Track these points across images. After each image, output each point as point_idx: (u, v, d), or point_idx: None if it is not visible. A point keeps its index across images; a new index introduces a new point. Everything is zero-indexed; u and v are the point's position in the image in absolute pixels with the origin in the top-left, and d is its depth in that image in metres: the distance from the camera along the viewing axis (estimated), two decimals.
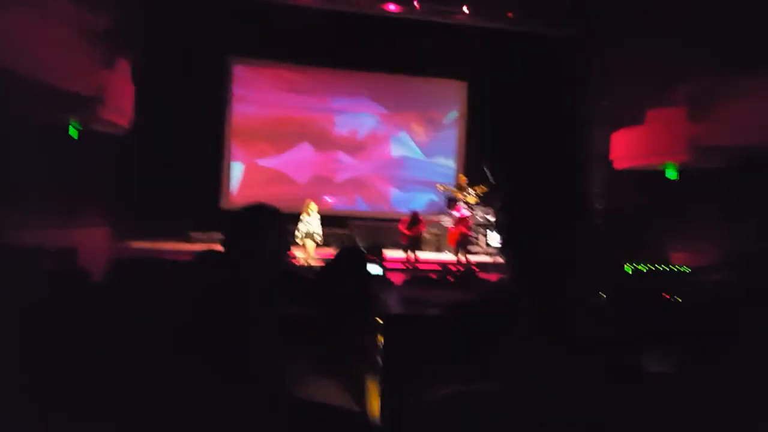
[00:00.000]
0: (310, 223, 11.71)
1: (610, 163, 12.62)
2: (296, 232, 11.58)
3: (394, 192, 15.80)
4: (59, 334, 1.92)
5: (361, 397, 2.00)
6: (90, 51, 9.54)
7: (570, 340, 1.29)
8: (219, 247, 2.03)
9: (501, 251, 1.40)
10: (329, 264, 2.61)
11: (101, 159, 10.98)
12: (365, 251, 6.13)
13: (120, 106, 10.79)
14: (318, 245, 11.73)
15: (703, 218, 9.75)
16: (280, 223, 2.05)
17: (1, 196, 7.99)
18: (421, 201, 15.25)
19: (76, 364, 1.69)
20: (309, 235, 11.61)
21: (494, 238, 13.35)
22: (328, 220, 14.28)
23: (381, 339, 2.16)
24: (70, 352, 1.77)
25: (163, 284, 3.26)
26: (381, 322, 2.22)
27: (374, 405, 2.01)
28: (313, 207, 11.91)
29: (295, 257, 11.15)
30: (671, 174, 11.41)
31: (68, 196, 10.01)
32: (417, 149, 15.95)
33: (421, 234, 12.40)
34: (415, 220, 12.11)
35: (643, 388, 1.27)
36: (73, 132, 10.23)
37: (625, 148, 12.14)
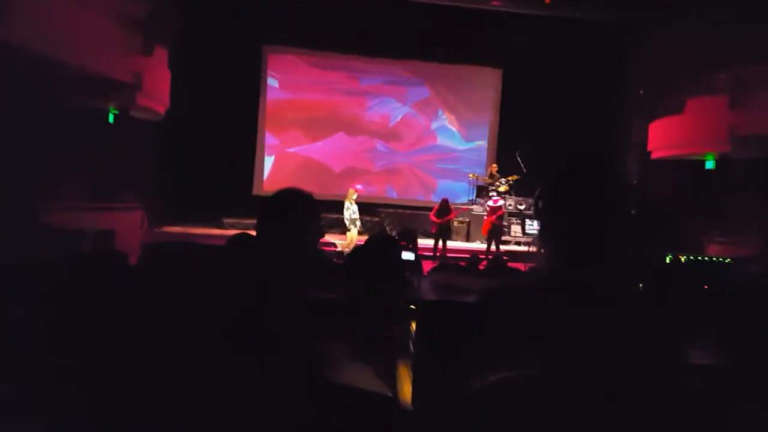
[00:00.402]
0: (354, 210, 11.94)
1: (648, 153, 12.38)
2: (345, 220, 11.91)
3: (425, 180, 15.74)
4: (92, 314, 1.96)
5: (393, 383, 2.00)
6: (129, 39, 9.71)
7: (606, 328, 1.27)
8: (252, 232, 2.04)
9: (538, 237, 1.39)
10: (361, 249, 2.61)
11: (138, 144, 11.18)
12: (398, 237, 6.14)
13: (156, 93, 10.97)
14: (360, 233, 11.95)
15: (744, 208, 9.53)
16: (313, 209, 2.04)
17: (42, 179, 8.20)
18: (452, 188, 15.15)
19: (106, 346, 1.72)
20: (353, 222, 11.85)
21: (531, 226, 13.22)
22: (358, 207, 14.38)
23: (414, 325, 2.16)
24: (101, 333, 1.80)
25: (195, 268, 3.31)
26: (414, 308, 2.22)
27: (406, 390, 2.01)
28: (353, 195, 12.13)
29: (334, 244, 11.31)
30: (710, 164, 11.14)
31: (106, 181, 10.22)
32: (450, 137, 15.84)
33: (450, 222, 12.33)
34: (444, 208, 12.05)
35: (681, 377, 1.24)
36: (111, 117, 10.44)
37: (664, 138, 11.88)
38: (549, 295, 1.30)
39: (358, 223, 11.99)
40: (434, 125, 15.78)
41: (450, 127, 15.83)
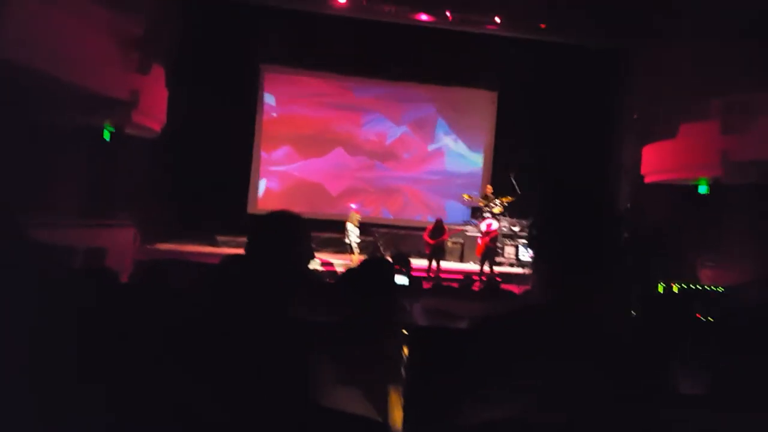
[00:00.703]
0: (357, 234, 12.42)
1: (641, 177, 12.44)
2: (352, 242, 12.43)
3: (420, 200, 15.72)
4: (80, 333, 1.94)
5: (383, 408, 1.98)
6: (126, 56, 9.74)
7: (600, 357, 1.26)
8: (244, 252, 2.03)
9: (532, 265, 1.38)
10: (354, 272, 2.60)
11: (133, 161, 11.18)
12: (392, 260, 6.13)
13: (153, 111, 10.99)
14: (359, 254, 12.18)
15: (737, 234, 9.56)
16: (301, 230, 2.04)
17: (35, 195, 8.17)
18: (446, 209, 15.12)
19: (96, 362, 1.70)
20: (357, 245, 12.33)
21: (525, 252, 13.21)
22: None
23: (406, 350, 2.15)
24: (88, 352, 1.78)
25: (186, 287, 3.29)
26: (406, 332, 2.21)
27: (396, 416, 1.99)
28: (356, 217, 12.53)
29: (332, 264, 11.33)
30: (704, 188, 11.20)
31: (100, 197, 10.20)
32: (445, 158, 15.87)
33: (444, 243, 12.32)
34: (438, 228, 12.05)
35: (673, 408, 1.24)
36: (106, 135, 10.45)
37: (657, 162, 11.96)
38: (542, 323, 1.30)
39: (358, 247, 12.22)
40: (430, 147, 15.84)
41: (446, 148, 15.89)
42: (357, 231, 12.24)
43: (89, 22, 8.48)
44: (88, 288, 3.56)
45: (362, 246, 13.74)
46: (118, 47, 9.49)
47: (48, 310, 2.13)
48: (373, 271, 2.46)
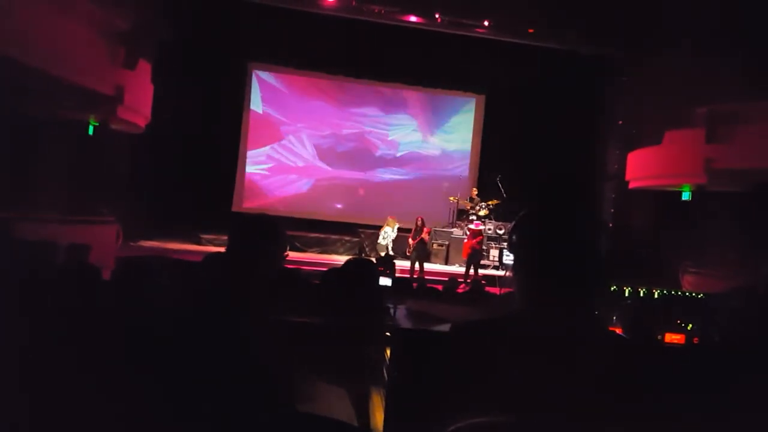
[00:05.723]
0: (391, 236, 12.71)
1: (625, 183, 12.54)
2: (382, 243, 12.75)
3: (404, 202, 15.64)
4: (60, 326, 1.93)
5: (365, 410, 1.98)
6: (113, 51, 9.68)
7: (580, 366, 1.26)
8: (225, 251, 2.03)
9: (512, 270, 1.39)
10: (337, 272, 2.59)
11: (117, 157, 11.09)
12: (376, 262, 6.14)
13: (138, 107, 10.91)
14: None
15: (718, 242, 9.66)
16: (276, 233, 2.06)
17: (18, 190, 8.08)
18: (429, 211, 15.07)
19: (72, 359, 1.69)
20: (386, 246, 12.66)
21: (507, 256, 13.22)
22: (338, 227, 14.39)
23: (388, 352, 2.14)
24: (70, 346, 1.77)
25: (166, 284, 3.27)
26: (389, 335, 2.21)
27: (378, 418, 1.99)
28: (393, 223, 12.79)
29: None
30: (687, 195, 11.32)
31: (83, 193, 10.11)
32: (431, 161, 15.87)
33: (423, 242, 12.19)
34: (418, 227, 12.02)
35: (654, 417, 1.24)
36: (90, 129, 10.37)
37: (642, 168, 12.06)
38: (520, 330, 1.30)
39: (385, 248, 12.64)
40: (416, 148, 15.82)
41: (432, 150, 15.89)
42: (393, 234, 12.70)
43: (76, 16, 8.41)
44: (71, 283, 3.52)
45: (347, 245, 13.76)
46: (105, 42, 9.42)
47: (31, 303, 2.12)
48: (356, 271, 2.46)
